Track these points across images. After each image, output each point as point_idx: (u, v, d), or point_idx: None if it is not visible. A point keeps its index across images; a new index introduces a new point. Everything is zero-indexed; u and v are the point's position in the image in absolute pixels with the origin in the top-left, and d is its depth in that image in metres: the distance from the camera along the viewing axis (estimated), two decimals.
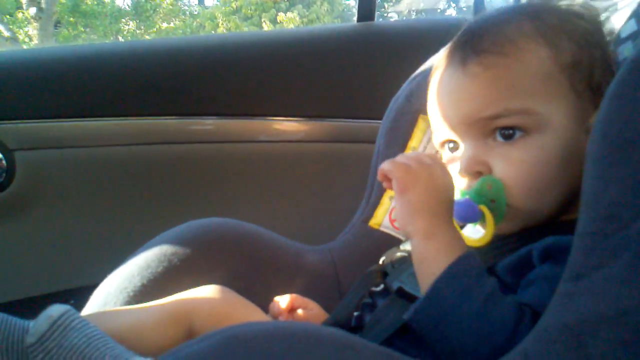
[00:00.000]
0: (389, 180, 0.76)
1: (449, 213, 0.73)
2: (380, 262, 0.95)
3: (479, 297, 0.64)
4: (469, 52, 0.79)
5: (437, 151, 0.92)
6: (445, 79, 0.84)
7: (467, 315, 0.63)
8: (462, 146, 0.83)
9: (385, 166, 0.76)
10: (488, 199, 0.77)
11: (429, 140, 1.09)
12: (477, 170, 0.79)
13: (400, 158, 0.77)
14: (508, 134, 0.77)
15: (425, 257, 0.70)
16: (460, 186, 0.82)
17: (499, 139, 0.78)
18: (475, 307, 0.63)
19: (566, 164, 0.76)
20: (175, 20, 15.47)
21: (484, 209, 0.76)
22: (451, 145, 0.85)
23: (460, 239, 0.72)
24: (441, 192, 0.73)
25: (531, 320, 0.61)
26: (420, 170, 0.73)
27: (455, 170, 0.82)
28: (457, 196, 0.79)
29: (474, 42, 0.80)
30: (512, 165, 0.77)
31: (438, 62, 0.88)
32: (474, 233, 0.86)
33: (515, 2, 1.21)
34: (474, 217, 0.77)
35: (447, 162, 0.86)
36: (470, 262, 0.68)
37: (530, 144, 0.76)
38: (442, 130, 0.85)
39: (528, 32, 0.78)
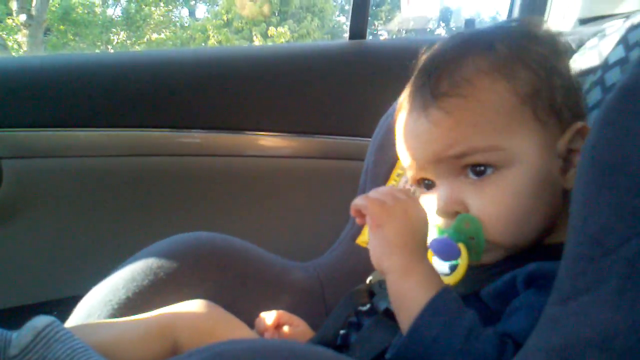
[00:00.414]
0: (362, 216, 0.76)
1: (424, 248, 0.73)
2: (367, 281, 0.95)
3: (460, 332, 0.63)
4: (428, 97, 0.78)
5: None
6: (410, 123, 0.82)
7: (449, 353, 0.63)
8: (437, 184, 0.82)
9: (359, 202, 0.76)
10: (467, 237, 0.76)
11: None
12: (454, 210, 0.78)
13: (373, 194, 0.77)
14: (479, 170, 0.76)
15: (403, 294, 0.69)
16: (438, 224, 0.81)
17: (471, 176, 0.77)
18: (457, 342, 0.63)
19: (541, 193, 0.76)
20: (166, 31, 15.49)
21: (462, 247, 0.76)
22: (427, 182, 0.84)
23: (435, 273, 0.71)
24: (416, 228, 0.73)
25: (513, 353, 0.60)
26: (394, 206, 0.73)
27: (432, 207, 0.81)
28: (435, 234, 0.79)
29: (432, 85, 0.78)
30: (487, 203, 0.76)
31: (401, 102, 0.87)
32: (443, 266, 0.86)
33: (506, 21, 1.22)
34: (454, 255, 0.76)
35: (424, 199, 0.85)
36: (448, 297, 0.67)
37: (502, 180, 0.75)
38: (415, 170, 0.84)
39: (483, 68, 0.76)
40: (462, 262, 0.76)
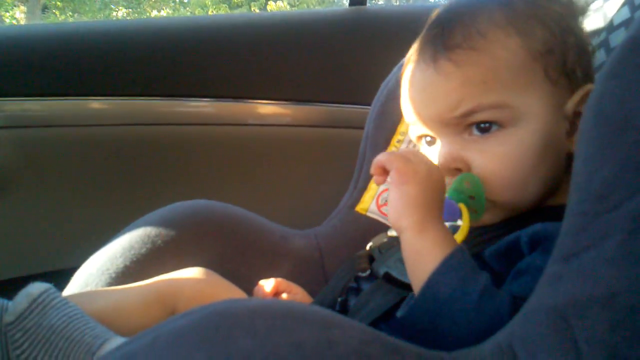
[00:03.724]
0: (384, 173, 0.74)
1: (441, 209, 0.72)
2: (367, 247, 0.94)
3: (474, 290, 0.62)
4: (440, 48, 0.77)
5: None
6: (417, 75, 0.81)
7: (464, 309, 0.62)
8: (438, 140, 0.81)
9: (382, 158, 0.74)
10: (467, 196, 0.76)
11: None
12: (455, 167, 0.78)
13: (396, 152, 0.76)
14: (484, 127, 0.75)
15: (419, 252, 0.68)
16: None
17: (476, 133, 0.76)
18: (471, 300, 0.62)
19: (545, 153, 0.75)
20: (165, 8, 15.38)
21: (462, 207, 0.75)
22: (428, 139, 0.84)
23: (450, 234, 0.70)
24: (437, 188, 0.72)
25: None
26: (419, 164, 0.72)
27: None
28: None
29: (445, 36, 0.77)
30: (490, 160, 0.75)
31: (409, 55, 0.86)
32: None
33: None
34: (454, 215, 0.76)
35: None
36: (464, 256, 0.66)
37: (507, 137, 0.75)
38: (417, 125, 0.84)
39: (498, 22, 0.76)
40: (464, 223, 0.75)
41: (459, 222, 0.79)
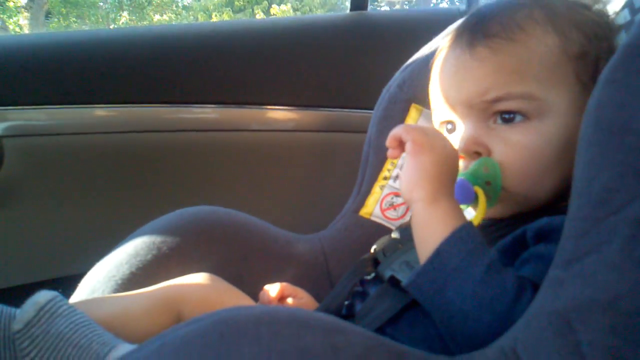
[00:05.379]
0: (399, 146, 0.76)
1: (453, 185, 0.73)
2: (372, 250, 0.95)
3: (482, 262, 0.63)
4: (479, 35, 0.80)
5: None
6: (451, 59, 0.84)
7: (470, 280, 0.63)
8: (459, 128, 0.83)
9: (400, 129, 0.75)
10: (483, 181, 0.77)
11: None
12: (475, 150, 0.80)
13: (414, 125, 0.77)
14: (509, 117, 0.78)
15: (428, 223, 0.69)
16: None
17: (500, 122, 0.79)
18: (478, 272, 0.63)
19: (565, 152, 0.76)
20: (168, 12, 15.39)
21: (478, 190, 0.77)
22: (449, 126, 0.86)
23: (460, 210, 0.71)
24: (451, 163, 0.73)
25: (532, 291, 0.61)
26: (435, 137, 0.73)
27: None
28: None
29: (484, 25, 0.80)
30: (511, 148, 0.77)
31: (444, 42, 0.89)
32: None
33: None
34: (469, 198, 0.77)
35: None
36: (473, 230, 0.68)
37: (531, 129, 0.77)
38: (443, 110, 0.86)
39: (538, 19, 0.78)
40: (481, 205, 0.76)
41: (470, 210, 0.79)
